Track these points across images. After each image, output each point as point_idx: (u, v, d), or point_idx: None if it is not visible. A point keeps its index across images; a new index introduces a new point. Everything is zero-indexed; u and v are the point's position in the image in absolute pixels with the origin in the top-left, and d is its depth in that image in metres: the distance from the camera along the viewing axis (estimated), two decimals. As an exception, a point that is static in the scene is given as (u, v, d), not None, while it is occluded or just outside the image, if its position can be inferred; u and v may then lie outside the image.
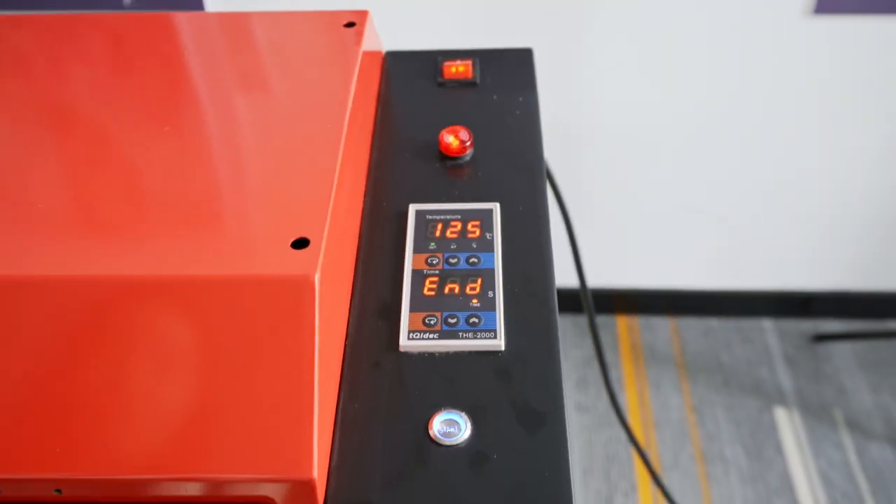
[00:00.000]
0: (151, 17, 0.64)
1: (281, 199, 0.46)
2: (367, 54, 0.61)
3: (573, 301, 1.78)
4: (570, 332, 1.80)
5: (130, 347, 0.41)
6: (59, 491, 0.41)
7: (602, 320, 1.83)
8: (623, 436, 1.62)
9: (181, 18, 0.65)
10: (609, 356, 1.76)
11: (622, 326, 1.82)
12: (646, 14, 1.34)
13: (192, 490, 0.41)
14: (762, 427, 1.61)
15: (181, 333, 0.41)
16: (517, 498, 0.41)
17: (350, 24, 0.61)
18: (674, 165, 1.55)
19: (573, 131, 1.50)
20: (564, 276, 1.78)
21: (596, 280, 1.76)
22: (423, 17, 1.33)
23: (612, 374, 1.73)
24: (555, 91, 1.42)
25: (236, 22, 0.64)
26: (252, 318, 0.41)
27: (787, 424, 1.62)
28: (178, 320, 0.41)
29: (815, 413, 1.63)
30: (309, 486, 0.40)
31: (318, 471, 0.40)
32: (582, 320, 1.80)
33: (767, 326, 1.80)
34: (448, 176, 0.59)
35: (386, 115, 0.63)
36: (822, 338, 1.75)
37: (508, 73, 0.68)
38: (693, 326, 1.81)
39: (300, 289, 0.41)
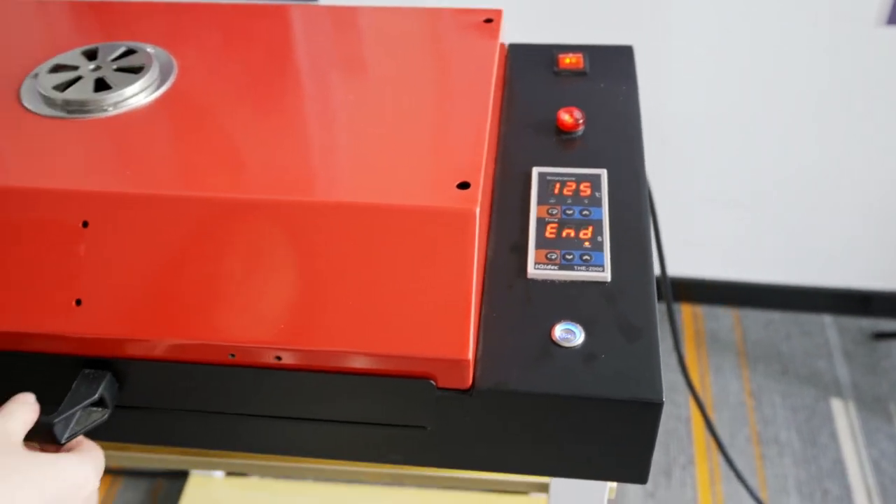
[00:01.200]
0: (311, 9, 0.79)
1: (447, 154, 0.60)
2: (502, 45, 0.75)
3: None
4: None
5: (337, 256, 0.56)
6: (278, 357, 0.56)
7: (668, 307, 1.93)
8: (683, 414, 1.72)
9: (339, 12, 0.79)
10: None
11: (687, 314, 1.92)
12: (713, 19, 1.44)
13: (377, 364, 0.55)
14: (817, 415, 1.70)
15: (376, 247, 0.55)
16: (621, 384, 0.55)
17: (488, 20, 0.74)
18: (741, 160, 1.64)
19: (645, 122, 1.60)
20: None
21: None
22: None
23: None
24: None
25: (389, 16, 0.78)
26: (429, 238, 0.55)
27: (843, 414, 1.70)
28: (375, 237, 0.55)
29: (870, 406, 1.71)
30: (464, 364, 0.54)
31: (471, 354, 0.54)
32: (649, 305, 1.91)
33: (828, 322, 1.88)
34: (564, 147, 0.72)
35: (511, 96, 0.77)
36: (880, 336, 1.83)
37: (613, 65, 0.80)
38: (755, 318, 1.90)
39: (466, 218, 0.55)
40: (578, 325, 0.58)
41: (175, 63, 0.70)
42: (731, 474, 1.60)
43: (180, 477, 1.60)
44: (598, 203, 0.66)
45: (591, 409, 0.55)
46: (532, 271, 0.62)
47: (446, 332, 0.54)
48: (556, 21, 1.47)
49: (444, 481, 0.73)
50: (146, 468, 1.65)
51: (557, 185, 0.68)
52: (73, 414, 0.56)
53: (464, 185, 0.57)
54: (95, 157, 0.61)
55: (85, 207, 0.57)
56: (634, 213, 0.66)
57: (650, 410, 0.54)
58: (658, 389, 0.54)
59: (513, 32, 0.87)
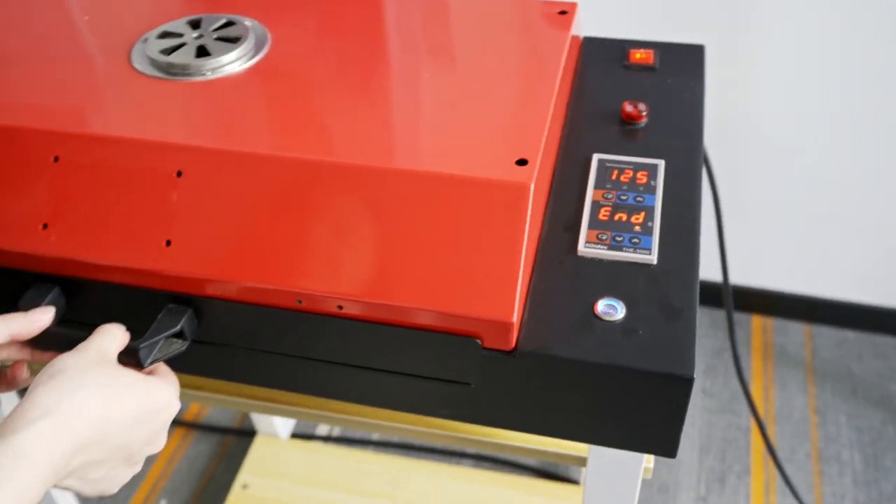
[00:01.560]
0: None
1: (509, 133, 0.64)
2: (574, 37, 0.78)
3: (712, 295, 1.88)
4: (705, 323, 1.91)
5: (401, 218, 0.60)
6: (340, 307, 0.61)
7: (737, 317, 1.92)
8: (743, 423, 1.72)
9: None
10: (740, 350, 1.86)
11: (756, 325, 1.91)
12: (799, 25, 1.43)
13: (430, 320, 0.59)
14: (884, 438, 1.67)
15: (437, 213, 0.60)
16: (655, 357, 0.58)
17: (562, 13, 0.78)
18: (828, 173, 1.62)
19: (730, 124, 1.60)
20: (706, 270, 1.88)
21: (736, 277, 1.86)
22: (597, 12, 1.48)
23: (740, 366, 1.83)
24: (719, 85, 1.54)
25: (473, 2, 0.82)
26: (486, 208, 0.59)
27: (911, 441, 1.67)
28: (437, 204, 0.60)
29: (942, 435, 1.67)
30: (509, 327, 0.58)
31: (516, 318, 0.58)
32: (718, 314, 1.90)
33: (904, 346, 1.84)
34: (625, 137, 0.75)
35: (580, 86, 0.81)
36: (959, 363, 1.78)
37: (682, 63, 0.83)
38: (828, 335, 1.88)
39: (521, 191, 0.59)
40: (621, 302, 0.62)
41: (269, 36, 0.76)
42: (787, 488, 1.59)
43: (248, 435, 1.69)
44: (652, 191, 0.69)
45: (625, 378, 0.58)
46: (582, 249, 0.65)
47: (494, 296, 0.58)
48: (644, 19, 1.50)
49: (492, 448, 0.78)
50: (218, 425, 1.75)
51: (615, 172, 0.71)
52: (157, 342, 0.62)
53: (522, 162, 0.61)
54: (192, 114, 0.68)
55: (180, 159, 0.64)
56: (687, 204, 0.69)
57: (680, 385, 0.57)
58: (689, 365, 0.57)
59: (597, 27, 0.91)
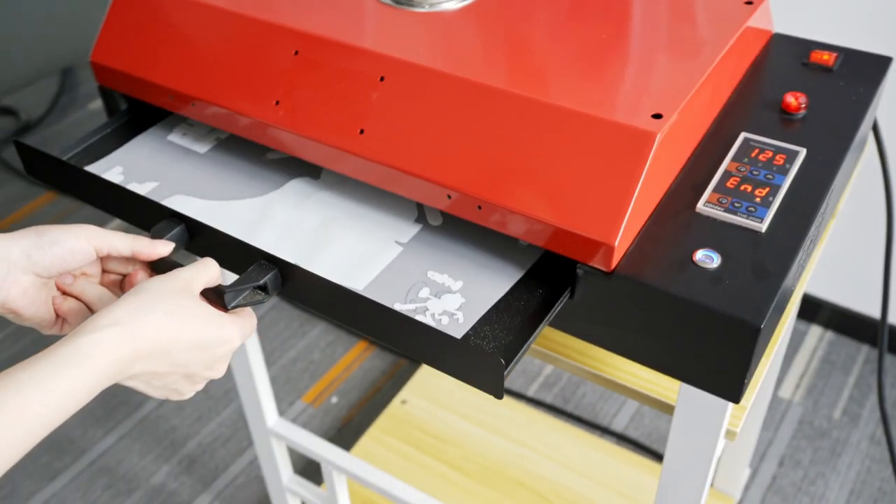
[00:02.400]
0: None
1: (656, 92, 0.73)
2: (753, 28, 0.85)
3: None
4: (893, 374, 1.83)
5: (546, 145, 0.72)
6: (479, 207, 0.73)
7: (930, 375, 1.82)
8: (905, 480, 1.64)
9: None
10: (924, 409, 1.77)
11: (948, 386, 1.80)
12: None
13: (548, 233, 0.70)
14: None
15: (579, 147, 0.71)
16: (731, 303, 0.65)
17: (749, 2, 0.85)
18: None
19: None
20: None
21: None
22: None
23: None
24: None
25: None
26: (618, 147, 0.69)
27: None
28: (582, 139, 0.70)
29: None
30: (610, 250, 0.68)
31: (618, 243, 0.68)
32: (908, 365, 1.82)
33: None
34: (779, 124, 0.81)
35: (753, 74, 0.87)
36: None
37: (862, 70, 0.86)
38: None
39: (647, 138, 0.68)
40: (719, 255, 0.69)
41: (485, -15, 0.90)
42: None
43: (417, 363, 1.87)
44: (784, 173, 0.75)
45: (701, 316, 0.66)
46: (700, 207, 0.73)
47: (604, 221, 0.68)
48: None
49: (592, 378, 0.87)
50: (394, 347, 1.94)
51: (756, 150, 0.77)
52: (243, 290, 0.68)
53: (657, 116, 0.70)
54: (404, 35, 0.83)
55: (386, 67, 0.79)
56: (815, 193, 0.74)
57: (747, 331, 0.64)
58: (760, 316, 0.64)
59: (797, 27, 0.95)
